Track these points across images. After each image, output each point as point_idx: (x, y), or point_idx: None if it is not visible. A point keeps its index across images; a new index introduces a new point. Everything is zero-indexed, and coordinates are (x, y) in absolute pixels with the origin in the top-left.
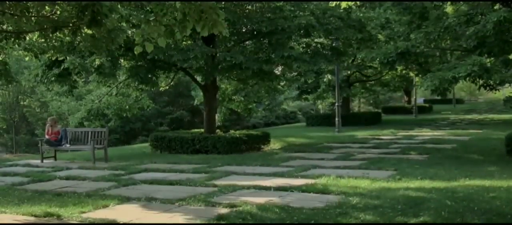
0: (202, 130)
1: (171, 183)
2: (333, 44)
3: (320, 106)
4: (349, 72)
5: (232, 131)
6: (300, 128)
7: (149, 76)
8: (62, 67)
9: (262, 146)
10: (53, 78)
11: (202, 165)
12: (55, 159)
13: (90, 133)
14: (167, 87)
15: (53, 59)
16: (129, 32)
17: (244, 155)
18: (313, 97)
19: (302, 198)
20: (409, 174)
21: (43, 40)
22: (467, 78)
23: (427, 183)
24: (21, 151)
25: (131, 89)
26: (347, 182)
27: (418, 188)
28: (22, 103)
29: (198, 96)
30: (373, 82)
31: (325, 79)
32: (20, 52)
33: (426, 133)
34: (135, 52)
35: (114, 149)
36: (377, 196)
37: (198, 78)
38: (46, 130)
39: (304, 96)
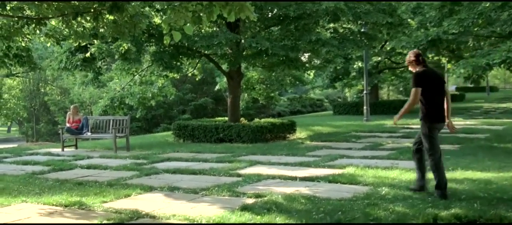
0: (226, 118)
1: (194, 172)
2: (362, 30)
3: (348, 94)
4: (380, 58)
5: (256, 120)
6: (327, 116)
7: (174, 62)
8: (87, 53)
9: (288, 135)
10: (78, 63)
11: (226, 154)
12: (76, 148)
13: (111, 121)
14: (191, 74)
15: (76, 45)
16: (155, 18)
17: (269, 144)
18: (341, 85)
19: (329, 189)
20: None
21: (64, 26)
22: (502, 65)
23: (459, 174)
24: (42, 139)
25: (154, 77)
26: (375, 173)
27: (449, 179)
28: (42, 90)
29: (221, 82)
30: (403, 68)
31: (355, 66)
32: (41, 38)
33: (458, 122)
34: (165, 42)
35: (136, 137)
36: (407, 186)
37: (223, 66)
38: (67, 118)
39: (334, 84)
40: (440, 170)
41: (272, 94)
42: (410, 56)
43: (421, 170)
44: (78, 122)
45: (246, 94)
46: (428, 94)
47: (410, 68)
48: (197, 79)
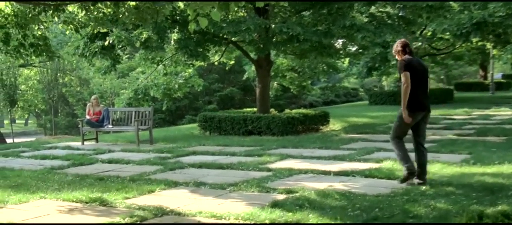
0: (255, 109)
1: (221, 167)
2: (400, 13)
3: (384, 83)
4: (420, 44)
5: (287, 111)
6: (362, 106)
7: (199, 49)
8: (106, 41)
9: (321, 127)
10: (96, 50)
11: (255, 148)
12: (97, 141)
13: (133, 113)
14: (218, 63)
15: (95, 32)
16: (179, 3)
17: (301, 136)
18: (377, 73)
19: (365, 184)
20: (485, 158)
21: (83, 12)
22: None
23: (506, 168)
24: (61, 132)
25: (179, 66)
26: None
27: (495, 174)
28: (61, 80)
29: (249, 71)
30: (444, 55)
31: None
32: (59, 26)
33: (505, 113)
34: (189, 29)
35: (160, 130)
36: (449, 182)
37: (251, 53)
38: (87, 110)
39: (371, 73)
40: (403, 152)
41: (304, 83)
42: (397, 45)
43: (420, 167)
44: (98, 114)
45: (275, 82)
46: (412, 82)
47: (396, 58)
48: (228, 67)
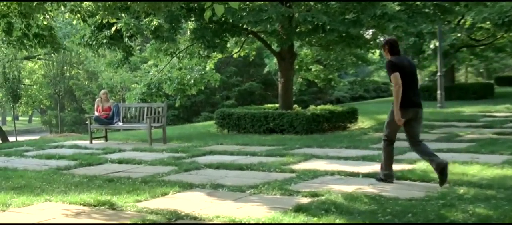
0: (277, 105)
1: (240, 167)
2: (436, 1)
3: (418, 77)
4: (459, 35)
5: (312, 107)
6: None
7: (217, 40)
8: (114, 29)
9: (348, 125)
10: (104, 40)
11: (277, 147)
12: (106, 140)
13: (146, 109)
14: (237, 55)
15: (104, 21)
16: None
17: (327, 135)
18: None
19: (397, 187)
20: None
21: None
22: None
23: None
24: (67, 130)
25: (195, 59)
26: (452, 168)
27: None
28: (67, 74)
29: (270, 64)
30: (484, 46)
31: (431, 45)
32: (66, 15)
33: None
34: (205, 17)
35: (174, 127)
36: (490, 185)
37: (273, 45)
38: (95, 106)
39: None
40: (389, 157)
41: (331, 76)
42: (384, 44)
43: (430, 156)
44: (108, 110)
45: (299, 76)
46: (402, 81)
47: (384, 55)
48: (248, 59)
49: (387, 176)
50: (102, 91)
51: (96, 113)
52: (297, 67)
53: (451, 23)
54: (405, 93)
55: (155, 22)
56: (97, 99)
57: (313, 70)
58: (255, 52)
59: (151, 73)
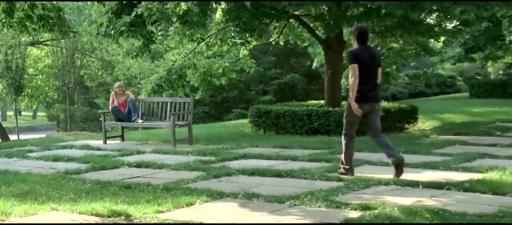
0: (322, 101)
1: (279, 174)
2: None
3: (490, 69)
4: None
5: None
6: (461, 100)
7: (255, 22)
8: (134, 14)
9: (407, 125)
10: (123, 28)
11: (322, 151)
12: (122, 140)
13: (169, 104)
14: (275, 42)
15: (123, 3)
16: None
17: None
18: (481, 57)
19: (464, 200)
20: None
21: None
22: None
23: None
24: (77, 127)
25: (226, 46)
26: None
27: None
28: (78, 62)
29: (318, 56)
30: None
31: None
32: None
33: None
34: None
35: (201, 126)
36: None
37: (318, 31)
38: (110, 101)
39: (470, 55)
40: (349, 151)
41: (388, 69)
42: (354, 31)
43: (388, 149)
44: (125, 104)
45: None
46: (359, 73)
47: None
48: (289, 47)
49: (347, 170)
50: (117, 84)
51: (112, 105)
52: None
53: None
54: (361, 87)
55: (183, 6)
56: (111, 93)
57: None
58: (293, 39)
59: (174, 58)
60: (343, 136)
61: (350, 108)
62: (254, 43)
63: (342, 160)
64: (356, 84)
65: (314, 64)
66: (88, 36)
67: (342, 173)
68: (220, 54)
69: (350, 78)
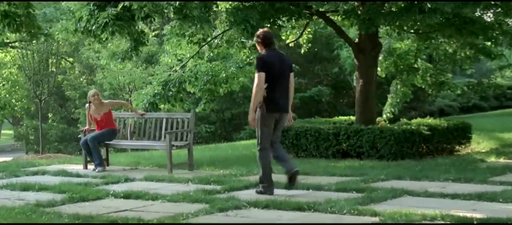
0: (352, 117)
1: (299, 207)
2: None
3: None
4: None
5: (404, 120)
6: None
7: (266, 25)
8: (121, 6)
9: (458, 147)
10: (106, 21)
11: (353, 178)
12: (107, 164)
13: (164, 120)
14: (293, 44)
15: None
16: None
17: (426, 161)
18: None
19: None
20: None
21: None
22: None
23: None
24: (52, 149)
25: (233, 48)
26: None
27: None
28: (53, 69)
29: (344, 59)
30: None
31: None
32: None
33: None
34: None
35: (205, 148)
36: None
37: (348, 31)
38: (87, 116)
39: None
40: (267, 167)
41: (443, 78)
42: (257, 36)
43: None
44: (106, 117)
45: (398, 81)
46: (269, 80)
47: (258, 49)
48: (313, 49)
49: (267, 188)
50: (91, 92)
51: (86, 128)
52: (394, 67)
53: None
54: (270, 95)
55: None
56: (86, 106)
57: (422, 67)
58: (314, 40)
59: (172, 68)
60: (258, 152)
61: (262, 119)
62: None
63: (260, 178)
64: (259, 94)
65: (347, 71)
66: (63, 34)
67: (260, 192)
68: (224, 56)
69: (254, 87)
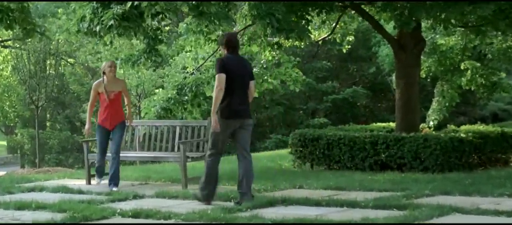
0: (392, 124)
1: None
2: None
3: None
4: None
5: (451, 127)
6: None
7: (292, 20)
8: (130, 4)
9: None
10: (111, 22)
11: (393, 194)
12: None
13: (177, 129)
14: (319, 41)
15: None
16: None
17: (477, 173)
18: None
19: None
20: None
21: None
22: None
23: None
24: (51, 162)
25: (256, 45)
26: None
27: None
28: (51, 71)
29: (382, 57)
30: None
31: None
32: None
33: None
34: None
35: (223, 159)
36: None
37: (387, 25)
38: (91, 97)
39: None
40: (212, 174)
41: (496, 78)
42: (222, 36)
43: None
44: (118, 97)
45: (443, 82)
46: (226, 84)
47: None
48: (347, 48)
49: (206, 196)
50: (107, 63)
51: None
52: (440, 66)
53: None
54: (228, 100)
55: None
56: (94, 84)
57: (467, 68)
58: (353, 37)
59: (186, 70)
60: (207, 156)
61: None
62: (297, 44)
63: (201, 184)
64: (219, 96)
65: (386, 69)
66: (64, 35)
67: (197, 199)
68: (250, 57)
69: (215, 88)
